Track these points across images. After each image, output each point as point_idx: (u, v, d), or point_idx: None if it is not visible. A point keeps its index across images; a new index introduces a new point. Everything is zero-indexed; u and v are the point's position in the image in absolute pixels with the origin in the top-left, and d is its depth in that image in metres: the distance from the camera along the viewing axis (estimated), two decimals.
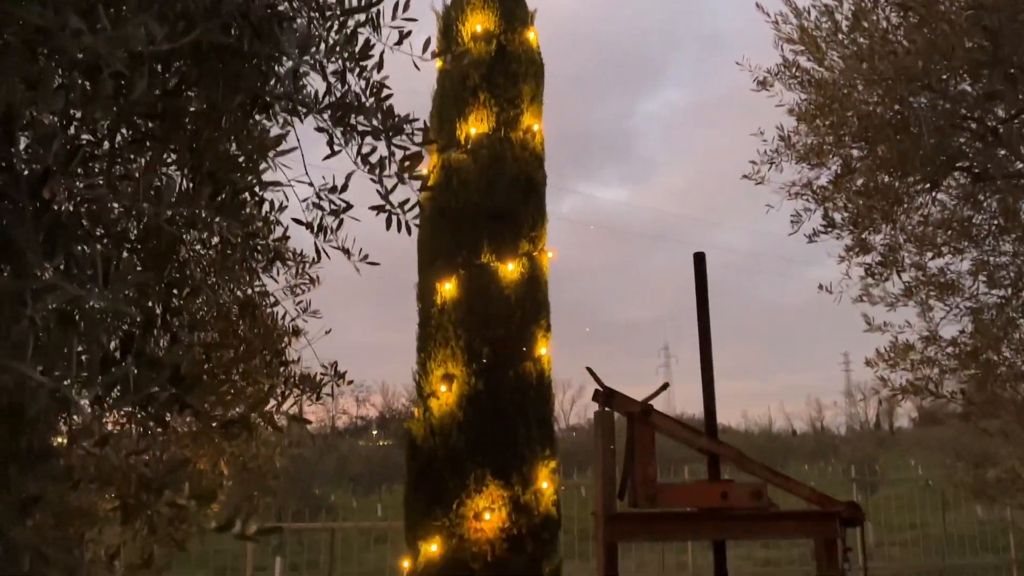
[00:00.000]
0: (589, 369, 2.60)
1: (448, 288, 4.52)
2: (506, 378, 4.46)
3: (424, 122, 1.74)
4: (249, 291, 2.90)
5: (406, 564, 4.46)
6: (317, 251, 2.50)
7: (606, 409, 2.50)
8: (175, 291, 1.94)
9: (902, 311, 4.97)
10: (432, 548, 4.26)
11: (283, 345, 3.15)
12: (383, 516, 18.00)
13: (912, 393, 4.78)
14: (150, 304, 1.81)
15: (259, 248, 2.74)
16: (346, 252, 2.34)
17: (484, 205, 4.55)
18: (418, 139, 1.78)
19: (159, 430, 1.68)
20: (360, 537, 14.52)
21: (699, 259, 2.76)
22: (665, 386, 2.60)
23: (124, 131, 1.98)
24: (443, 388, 4.45)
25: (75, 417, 1.39)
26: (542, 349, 4.61)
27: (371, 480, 20.15)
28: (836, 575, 2.49)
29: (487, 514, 4.25)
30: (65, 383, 1.00)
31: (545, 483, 4.45)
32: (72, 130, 1.61)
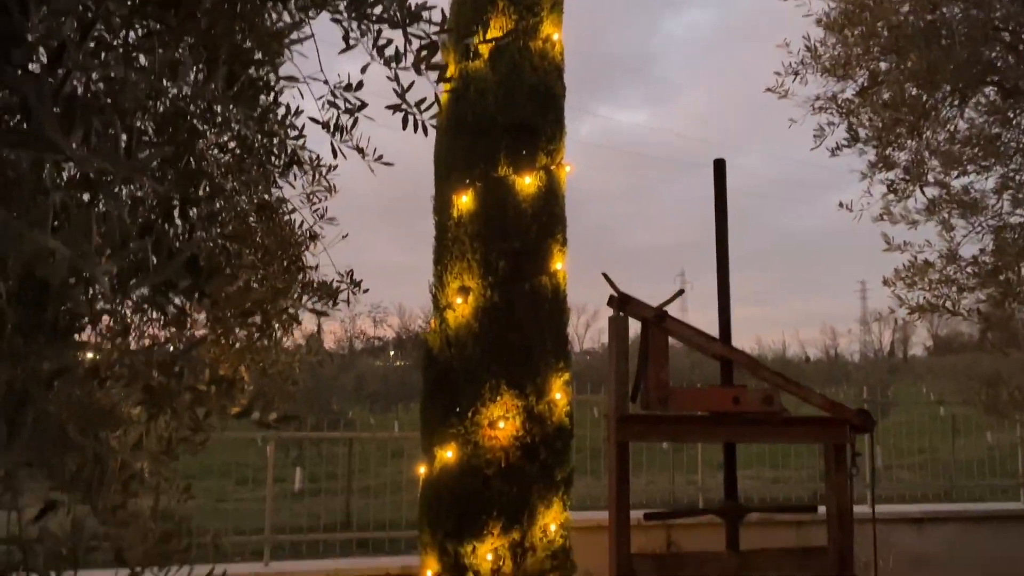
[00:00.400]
0: (605, 275, 2.60)
1: (464, 201, 4.51)
2: (521, 291, 4.48)
3: (442, 10, 1.70)
4: (266, 196, 2.91)
5: (422, 470, 4.59)
6: (333, 151, 2.49)
7: (620, 314, 2.52)
8: (193, 182, 1.94)
9: (922, 230, 4.92)
10: (448, 454, 4.37)
11: (301, 249, 3.18)
12: (399, 431, 18.46)
13: (929, 311, 4.77)
14: (168, 193, 1.82)
15: (275, 151, 2.74)
16: (360, 151, 2.33)
17: (502, 116, 4.49)
18: (434, 30, 1.74)
19: (178, 318, 1.70)
20: (377, 451, 14.92)
21: (719, 166, 2.73)
22: (680, 292, 2.61)
23: (138, 25, 1.95)
24: (459, 300, 4.49)
25: (97, 293, 1.41)
26: (558, 264, 4.62)
27: (388, 399, 20.54)
28: (845, 480, 2.54)
29: (501, 423, 4.34)
30: (86, 255, 1.01)
31: (559, 394, 4.52)
32: (89, 15, 1.59)
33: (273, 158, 2.76)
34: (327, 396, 14.92)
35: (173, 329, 1.84)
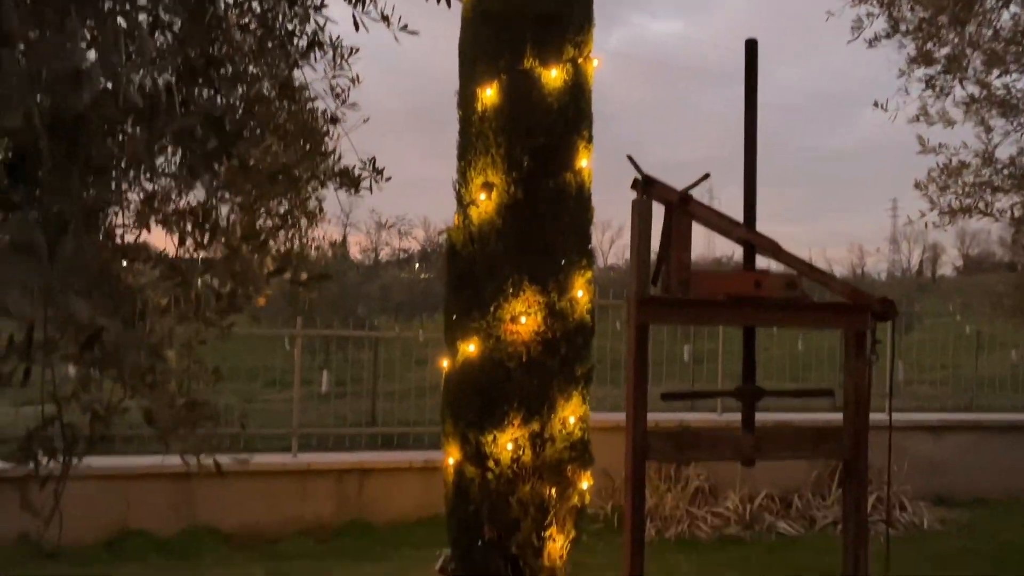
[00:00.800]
0: (629, 157, 2.57)
1: (489, 94, 4.43)
2: (545, 188, 4.45)
3: None
4: (288, 76, 2.87)
5: (445, 363, 4.66)
6: (356, 23, 2.44)
7: (644, 197, 2.50)
8: (213, 41, 1.92)
9: (959, 131, 4.79)
10: (470, 348, 4.43)
11: (323, 134, 3.16)
12: (424, 342, 18.76)
13: (961, 214, 4.69)
14: (192, 54, 1.80)
15: (296, 31, 2.69)
16: (385, 20, 2.29)
17: (528, 6, 4.36)
18: None
19: (206, 177, 1.71)
20: (402, 357, 15.20)
21: (750, 47, 2.65)
22: (706, 176, 2.57)
23: None
24: (482, 196, 4.47)
25: (127, 128, 1.42)
26: (583, 161, 4.56)
27: (412, 309, 20.78)
28: (864, 366, 2.54)
29: (523, 318, 4.37)
30: (117, 68, 1.01)
31: (580, 292, 4.54)
32: None
33: (295, 38, 2.72)
34: (353, 303, 15.13)
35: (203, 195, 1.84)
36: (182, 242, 1.83)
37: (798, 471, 6.89)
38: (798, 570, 5.49)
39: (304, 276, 2.24)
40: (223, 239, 1.86)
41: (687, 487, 6.50)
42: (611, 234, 44.96)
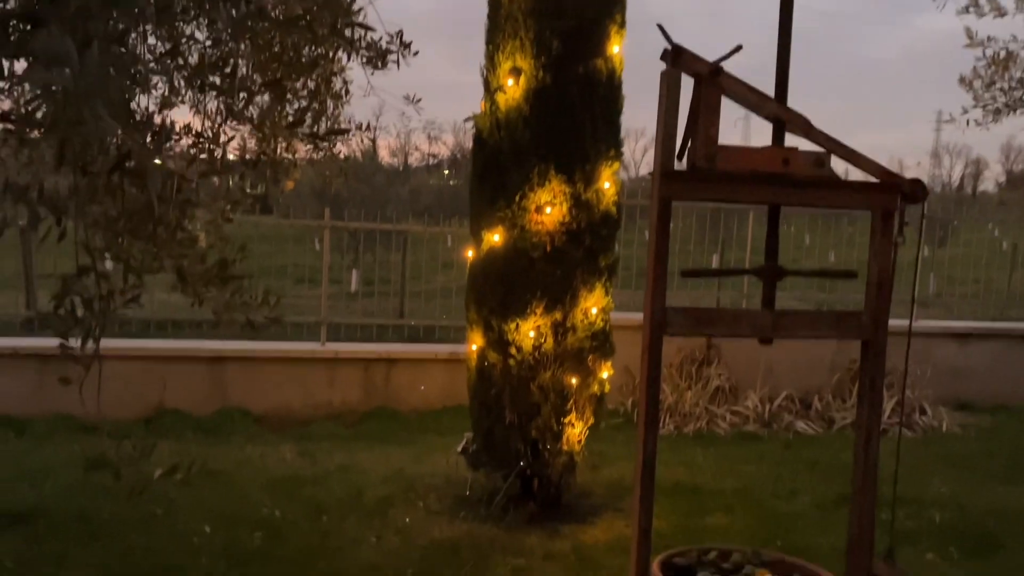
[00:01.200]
0: (659, 26, 2.49)
1: None
2: (575, 74, 4.35)
3: None
4: None
5: (470, 253, 4.69)
6: None
7: (673, 67, 2.43)
8: None
9: (1009, 24, 4.56)
10: (494, 237, 4.44)
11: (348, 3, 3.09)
12: (452, 245, 18.84)
13: (1007, 110, 4.53)
14: None
15: None
16: None
17: None
18: None
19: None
20: (429, 260, 15.31)
21: None
22: (738, 48, 2.49)
23: None
24: (510, 82, 4.39)
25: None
26: (615, 47, 4.44)
27: (441, 213, 20.83)
28: (889, 247, 2.51)
29: (548, 208, 4.36)
30: None
31: (607, 183, 4.50)
32: None
33: None
34: (382, 203, 15.18)
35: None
36: (202, 90, 1.83)
37: (819, 374, 6.93)
38: (812, 464, 5.59)
39: (323, 130, 2.24)
40: (244, 94, 1.85)
41: (708, 386, 6.58)
42: (644, 142, 44.15)
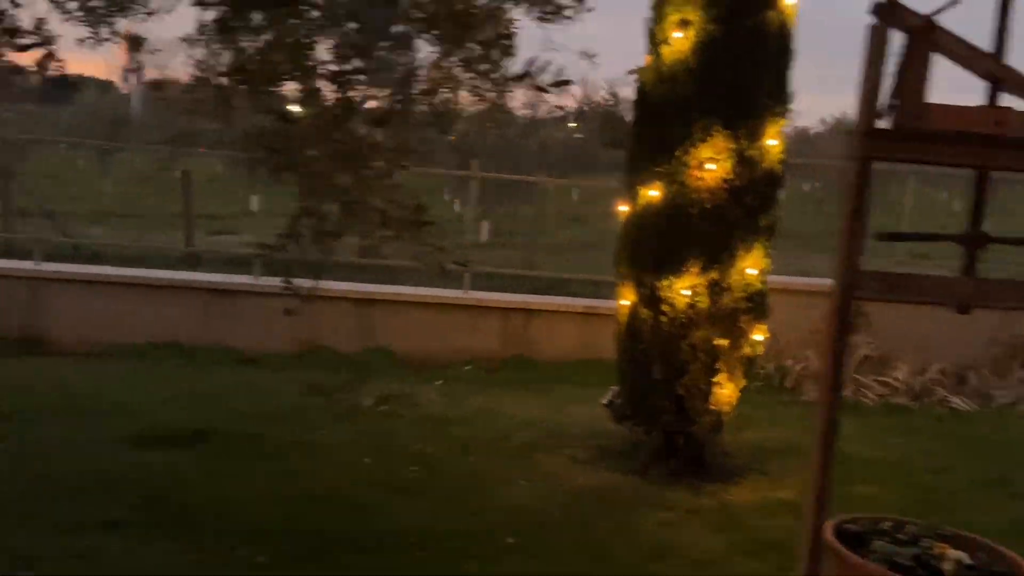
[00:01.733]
0: None
1: None
2: (745, 27, 4.22)
3: None
4: None
5: (624, 208, 4.67)
6: None
7: (882, 22, 2.32)
8: None
9: None
10: (651, 192, 4.41)
11: None
12: (578, 200, 18.82)
13: None
14: None
15: None
16: None
17: None
18: None
19: None
20: (559, 215, 15.37)
21: None
22: (956, 0, 2.35)
23: None
24: (677, 34, 4.30)
25: None
26: None
27: (567, 167, 20.75)
28: None
29: (710, 164, 4.27)
30: None
31: (772, 140, 4.37)
32: None
33: None
34: (513, 155, 15.34)
35: None
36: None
37: (976, 347, 6.55)
38: (968, 441, 5.35)
39: (548, 81, 2.28)
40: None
41: (855, 354, 6.34)
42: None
